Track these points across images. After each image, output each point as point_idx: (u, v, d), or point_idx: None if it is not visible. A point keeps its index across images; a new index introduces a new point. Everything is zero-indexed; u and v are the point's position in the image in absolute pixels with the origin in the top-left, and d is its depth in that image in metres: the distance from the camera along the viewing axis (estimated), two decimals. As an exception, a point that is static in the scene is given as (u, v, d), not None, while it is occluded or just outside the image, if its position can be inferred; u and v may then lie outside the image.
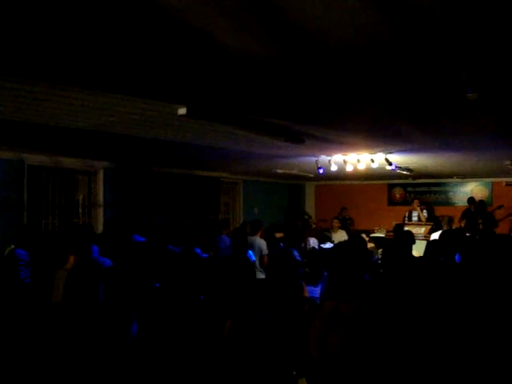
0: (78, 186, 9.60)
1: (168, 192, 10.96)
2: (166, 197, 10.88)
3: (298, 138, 6.23)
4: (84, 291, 4.00)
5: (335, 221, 11.42)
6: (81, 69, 3.51)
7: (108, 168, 9.77)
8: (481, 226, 10.95)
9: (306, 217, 13.96)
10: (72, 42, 2.96)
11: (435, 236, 8.60)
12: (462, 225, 11.65)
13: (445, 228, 8.81)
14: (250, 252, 6.46)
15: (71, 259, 4.40)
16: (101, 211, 9.74)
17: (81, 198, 9.70)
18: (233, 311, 3.17)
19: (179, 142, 6.81)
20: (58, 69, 3.50)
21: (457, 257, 5.33)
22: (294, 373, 3.03)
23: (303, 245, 8.43)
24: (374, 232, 12.04)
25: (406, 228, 10.91)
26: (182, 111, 4.61)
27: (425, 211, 12.36)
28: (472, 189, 13.99)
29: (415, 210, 12.40)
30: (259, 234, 7.31)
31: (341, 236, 10.41)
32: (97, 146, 7.55)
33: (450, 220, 9.61)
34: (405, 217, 12.59)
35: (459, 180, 14.15)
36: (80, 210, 9.66)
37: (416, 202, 12.70)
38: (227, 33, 2.80)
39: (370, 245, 9.15)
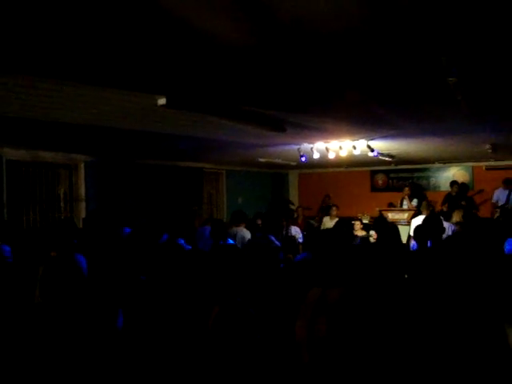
0: (58, 180, 9.50)
1: (151, 184, 10.89)
2: (148, 189, 10.81)
3: (279, 127, 6.21)
4: (61, 288, 3.95)
5: (334, 208, 11.45)
6: (59, 61, 3.45)
7: (89, 161, 9.68)
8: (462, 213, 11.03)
9: (293, 206, 13.97)
10: (48, 34, 2.89)
11: (415, 222, 8.66)
12: (444, 209, 11.74)
13: (424, 213, 8.83)
14: (231, 241, 6.44)
15: (53, 255, 4.35)
16: (83, 205, 9.66)
17: (62, 192, 9.59)
18: (219, 299, 3.16)
19: (160, 133, 6.75)
20: (36, 61, 3.43)
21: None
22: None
23: (284, 232, 8.41)
24: (361, 219, 12.10)
25: (389, 214, 11.00)
26: (162, 101, 4.56)
27: (415, 200, 12.29)
28: (453, 173, 14.12)
29: (406, 196, 12.43)
30: (243, 224, 7.29)
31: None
32: (77, 140, 7.46)
33: (430, 205, 9.65)
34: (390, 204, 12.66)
35: (441, 165, 14.27)
36: (62, 205, 9.56)
37: (406, 189, 12.66)
38: (206, 20, 2.76)
39: (363, 232, 9.21)
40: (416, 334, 3.35)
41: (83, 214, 9.51)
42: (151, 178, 10.93)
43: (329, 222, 10.77)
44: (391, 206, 12.67)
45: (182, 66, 3.70)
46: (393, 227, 6.53)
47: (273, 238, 6.18)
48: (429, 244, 5.00)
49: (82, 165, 9.63)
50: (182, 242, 6.22)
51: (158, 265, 5.11)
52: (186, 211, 10.85)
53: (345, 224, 6.11)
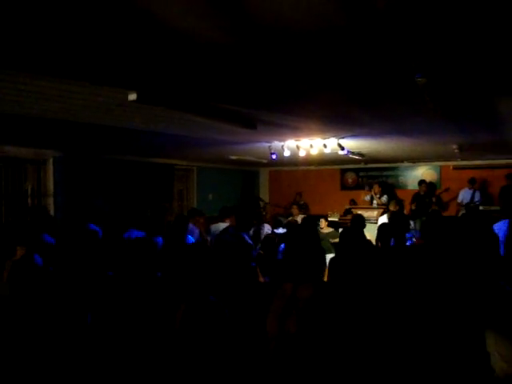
0: (26, 175, 9.33)
1: (120, 180, 10.78)
2: (118, 185, 10.70)
3: (251, 124, 6.21)
4: (28, 283, 3.91)
5: (294, 207, 11.50)
6: (27, 52, 3.39)
7: (58, 157, 9.53)
8: (433, 206, 11.25)
9: (263, 203, 14.01)
10: (14, 24, 2.84)
11: (382, 219, 8.80)
12: (413, 208, 11.95)
13: (392, 210, 9.00)
14: (189, 237, 6.43)
15: (19, 250, 4.29)
16: (51, 201, 9.51)
17: (29, 187, 9.43)
18: (186, 296, 3.15)
19: (131, 129, 6.69)
20: (3, 53, 3.36)
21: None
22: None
23: (254, 229, 8.44)
24: (327, 216, 12.19)
25: (359, 212, 11.11)
26: (133, 97, 4.52)
27: (385, 197, 12.49)
28: (422, 173, 14.35)
29: (374, 194, 12.62)
30: (229, 219, 7.33)
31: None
32: (45, 134, 7.34)
33: (399, 203, 9.80)
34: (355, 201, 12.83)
35: (409, 164, 14.49)
36: (29, 200, 9.40)
37: (375, 187, 12.87)
38: (179, 17, 2.75)
39: (329, 229, 9.25)
40: (386, 332, 3.41)
41: (51, 210, 9.37)
42: (121, 174, 10.82)
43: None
44: (353, 204, 12.85)
45: (153, 61, 3.67)
46: (358, 215, 6.61)
47: (245, 236, 6.20)
48: (392, 242, 5.08)
49: (51, 160, 9.47)
50: (160, 239, 6.20)
51: (127, 261, 5.08)
52: (157, 207, 10.79)
53: (311, 221, 6.15)
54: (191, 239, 6.42)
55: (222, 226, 7.21)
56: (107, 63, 3.70)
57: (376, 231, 5.24)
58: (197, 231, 7.35)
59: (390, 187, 14.24)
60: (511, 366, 2.07)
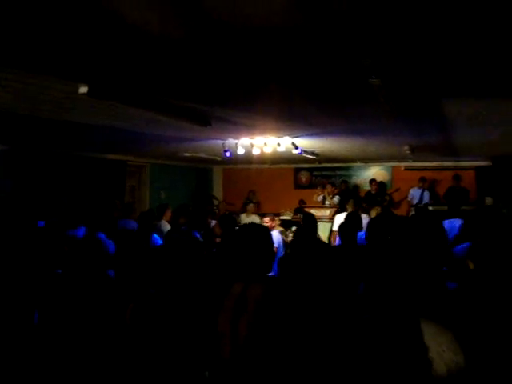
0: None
1: (70, 176, 10.48)
2: (67, 181, 10.40)
3: (205, 121, 6.14)
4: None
5: (250, 205, 11.44)
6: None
7: (2, 150, 9.17)
8: (379, 209, 11.41)
9: (217, 202, 13.92)
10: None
11: (339, 218, 8.87)
12: (365, 206, 12.11)
13: (349, 210, 9.07)
14: (156, 236, 6.35)
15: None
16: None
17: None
18: (136, 294, 3.07)
19: (81, 123, 6.50)
20: None
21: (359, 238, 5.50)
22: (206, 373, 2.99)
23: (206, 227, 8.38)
24: (280, 215, 12.22)
25: (311, 211, 11.16)
26: (84, 90, 4.38)
27: (337, 197, 12.56)
28: (374, 173, 14.60)
29: (327, 194, 12.71)
30: (165, 217, 7.23)
31: (253, 220, 10.40)
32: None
33: (356, 204, 9.92)
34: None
35: (362, 164, 14.71)
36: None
37: (328, 186, 12.90)
38: (132, 9, 2.65)
39: (280, 228, 9.24)
40: (337, 331, 3.39)
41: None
42: (71, 170, 10.51)
43: (245, 219, 10.70)
44: (302, 203, 12.93)
45: (105, 53, 3.54)
46: (309, 214, 6.63)
47: (197, 235, 6.14)
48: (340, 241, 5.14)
49: (-5, 153, 9.13)
50: (103, 236, 6.06)
51: (75, 258, 4.96)
52: (107, 204, 10.58)
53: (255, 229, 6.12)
54: (157, 238, 6.31)
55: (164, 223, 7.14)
56: (60, 54, 3.54)
57: (330, 229, 5.29)
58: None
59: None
60: (446, 356, 2.09)
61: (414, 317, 2.29)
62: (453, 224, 6.80)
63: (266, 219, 7.64)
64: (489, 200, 11.50)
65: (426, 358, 2.07)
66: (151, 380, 2.77)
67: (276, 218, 8.94)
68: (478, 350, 2.34)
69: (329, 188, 12.68)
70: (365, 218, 8.00)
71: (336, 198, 12.42)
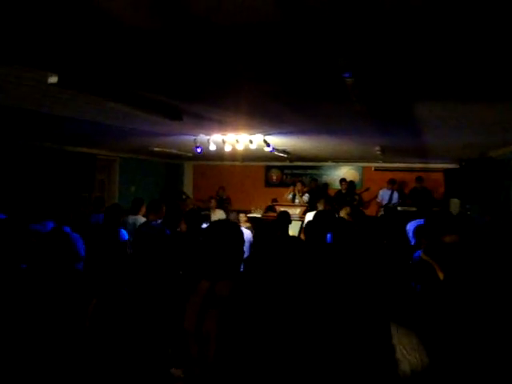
0: None
1: (35, 168, 10.25)
2: (32, 173, 10.17)
3: (176, 115, 6.08)
4: None
5: (212, 200, 11.41)
6: None
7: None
8: (348, 210, 11.50)
9: (184, 197, 13.84)
10: None
11: (309, 216, 8.89)
12: (336, 206, 12.18)
13: (320, 209, 9.12)
14: (123, 231, 6.27)
15: None
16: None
17: None
18: (98, 290, 3.01)
19: (49, 115, 6.37)
20: None
21: (328, 237, 5.51)
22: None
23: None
24: (250, 212, 12.20)
25: (281, 209, 11.17)
26: (53, 80, 4.28)
27: (306, 195, 12.62)
28: (344, 172, 14.71)
29: (297, 192, 12.75)
30: (140, 212, 7.15)
31: (219, 216, 10.38)
32: None
33: (328, 202, 9.98)
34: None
35: (333, 164, 14.82)
36: None
37: (298, 185, 12.97)
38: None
39: (247, 224, 9.20)
40: (305, 329, 3.39)
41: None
42: (36, 162, 10.29)
43: (212, 215, 10.68)
44: (275, 202, 12.96)
45: (76, 43, 3.46)
46: (284, 212, 6.63)
47: (167, 231, 6.09)
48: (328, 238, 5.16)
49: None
50: (68, 229, 5.96)
51: (40, 253, 4.86)
52: (76, 198, 10.41)
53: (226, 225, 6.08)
54: (125, 233, 6.23)
55: (134, 218, 7.06)
56: (24, 41, 3.44)
57: (300, 227, 5.29)
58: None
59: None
60: (412, 356, 2.13)
61: (384, 318, 2.30)
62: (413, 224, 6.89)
63: (242, 215, 7.62)
64: (455, 201, 11.69)
65: (394, 358, 2.09)
66: (112, 377, 2.72)
67: (242, 215, 8.91)
68: (443, 350, 2.37)
69: (298, 186, 12.74)
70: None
71: (305, 197, 12.48)
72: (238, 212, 8.52)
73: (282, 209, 10.27)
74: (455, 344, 2.50)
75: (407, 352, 2.15)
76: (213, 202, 11.23)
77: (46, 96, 5.11)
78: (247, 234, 6.67)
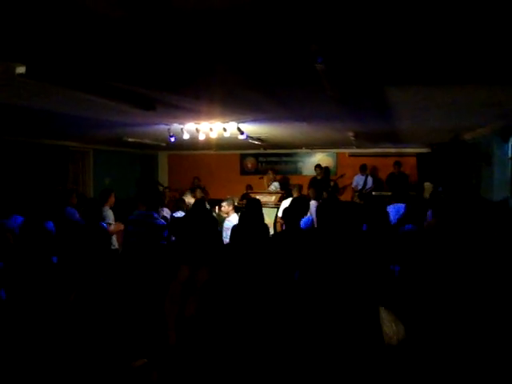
0: None
1: (7, 162, 10.10)
2: (4, 166, 10.02)
3: (149, 105, 6.04)
4: None
5: (187, 191, 11.37)
6: None
7: None
8: (325, 195, 11.60)
9: (161, 187, 13.78)
10: None
11: (285, 203, 8.94)
12: (310, 193, 12.26)
13: (295, 196, 9.18)
14: (103, 223, 6.25)
15: None
16: None
17: None
18: (79, 281, 3.01)
19: (17, 106, 6.26)
20: None
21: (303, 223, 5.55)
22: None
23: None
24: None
25: (257, 197, 11.20)
26: (21, 70, 4.21)
27: (276, 183, 12.78)
28: (319, 159, 14.78)
29: (265, 181, 12.82)
30: (108, 203, 7.13)
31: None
32: None
33: (301, 188, 10.07)
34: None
35: (308, 151, 14.88)
36: None
37: (269, 172, 13.13)
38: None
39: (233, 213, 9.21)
40: (289, 314, 3.43)
41: None
42: (8, 156, 10.14)
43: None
44: (250, 189, 13.05)
45: (44, 31, 3.40)
46: (254, 199, 6.64)
47: (156, 215, 6.09)
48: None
49: None
50: (51, 225, 5.90)
51: (17, 247, 4.82)
52: (49, 191, 10.27)
53: (202, 205, 6.07)
54: (104, 226, 6.22)
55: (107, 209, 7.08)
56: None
57: (275, 214, 5.30)
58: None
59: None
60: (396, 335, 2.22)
61: (372, 300, 2.37)
62: (397, 208, 7.01)
63: (224, 204, 7.59)
64: (428, 185, 11.86)
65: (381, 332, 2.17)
66: (91, 367, 2.72)
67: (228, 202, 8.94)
68: (419, 324, 2.45)
69: (270, 174, 12.87)
70: (313, 204, 8.11)
71: (273, 186, 12.62)
72: (218, 201, 8.51)
73: (258, 197, 10.31)
74: (432, 318, 2.58)
75: (390, 325, 2.24)
76: (188, 196, 11.19)
77: (14, 87, 5.02)
78: (235, 221, 6.70)
